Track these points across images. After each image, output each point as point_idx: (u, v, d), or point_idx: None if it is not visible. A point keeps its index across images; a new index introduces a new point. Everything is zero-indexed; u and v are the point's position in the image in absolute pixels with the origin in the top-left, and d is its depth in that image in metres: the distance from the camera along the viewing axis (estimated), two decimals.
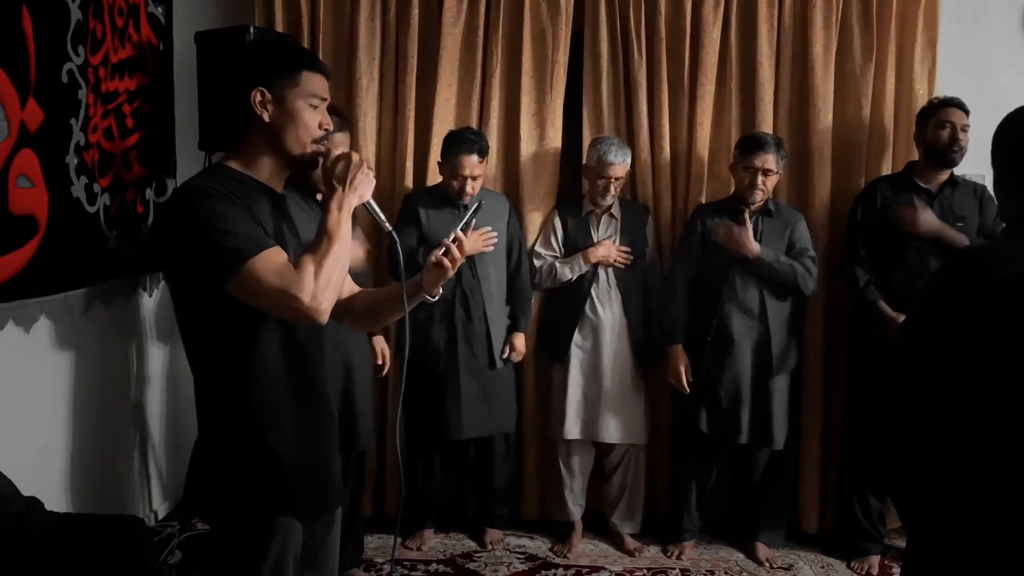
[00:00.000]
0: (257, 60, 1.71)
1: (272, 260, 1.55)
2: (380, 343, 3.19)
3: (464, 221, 1.82)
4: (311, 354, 1.74)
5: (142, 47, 3.25)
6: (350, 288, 1.90)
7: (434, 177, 3.42)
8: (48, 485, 2.62)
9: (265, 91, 1.65)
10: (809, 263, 3.24)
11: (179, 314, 1.71)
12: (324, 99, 1.71)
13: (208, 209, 1.56)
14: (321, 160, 1.70)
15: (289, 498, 1.69)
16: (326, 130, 1.72)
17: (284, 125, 1.67)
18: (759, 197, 3.22)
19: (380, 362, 3.18)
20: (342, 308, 1.85)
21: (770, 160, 3.18)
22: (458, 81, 3.51)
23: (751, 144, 3.22)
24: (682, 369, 3.28)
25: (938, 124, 3.16)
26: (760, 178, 3.18)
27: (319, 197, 2.70)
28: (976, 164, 3.36)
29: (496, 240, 3.21)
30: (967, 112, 3.15)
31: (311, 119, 1.68)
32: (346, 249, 1.62)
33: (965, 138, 3.14)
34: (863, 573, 3.28)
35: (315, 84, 1.69)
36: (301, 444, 1.70)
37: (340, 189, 1.64)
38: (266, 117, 1.66)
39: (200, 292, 1.62)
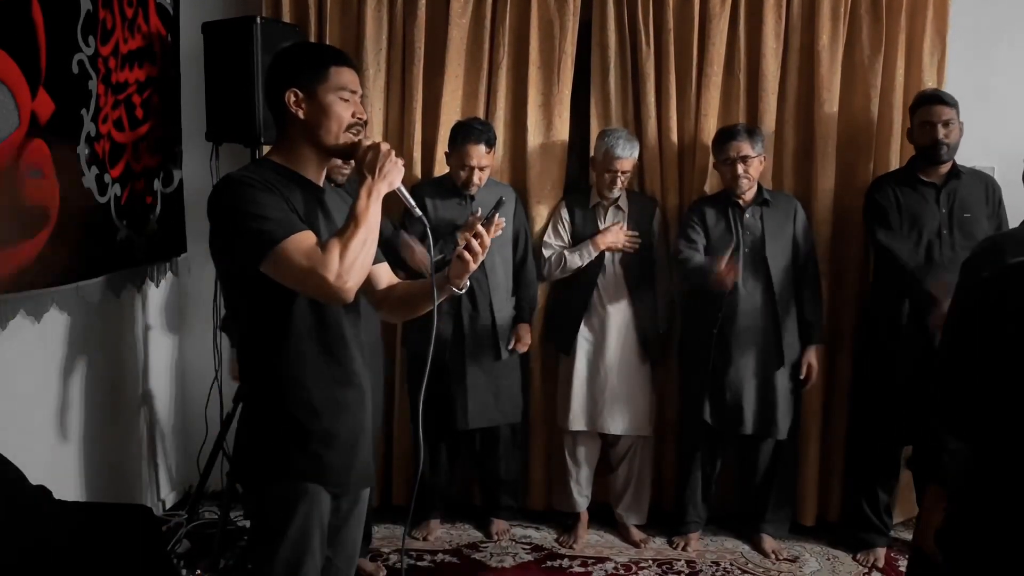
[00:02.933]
0: (287, 63, 1.83)
1: (302, 242, 1.67)
2: None
3: (486, 216, 1.89)
4: (341, 334, 1.83)
5: (151, 38, 3.25)
6: (389, 278, 1.99)
7: (441, 168, 3.42)
8: (56, 474, 2.64)
9: (298, 91, 1.77)
10: (815, 278, 3.31)
11: (224, 292, 1.91)
12: (355, 91, 1.81)
13: (245, 196, 1.69)
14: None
15: (314, 466, 1.79)
16: (360, 119, 1.81)
17: (318, 120, 1.78)
18: (746, 186, 3.22)
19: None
20: (381, 297, 1.97)
21: (744, 147, 3.18)
22: (465, 72, 3.51)
23: (721, 136, 3.25)
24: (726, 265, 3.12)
25: (920, 124, 3.14)
26: (740, 167, 3.18)
27: (332, 185, 2.74)
28: (985, 155, 3.36)
29: (504, 226, 3.20)
30: (949, 103, 3.10)
31: (343, 111, 1.79)
32: (373, 233, 1.71)
33: (949, 131, 3.09)
34: (869, 565, 3.29)
35: (344, 77, 1.80)
36: (326, 417, 1.80)
37: (370, 177, 1.74)
38: (301, 115, 1.78)
39: (239, 272, 1.75)
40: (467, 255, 1.81)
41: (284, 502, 1.78)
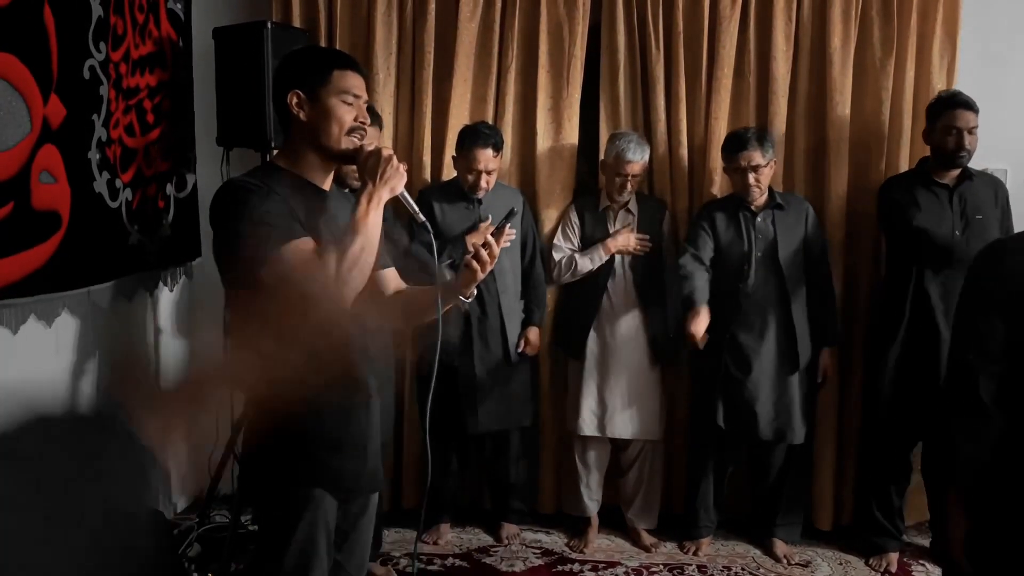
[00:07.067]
0: (292, 66, 1.85)
1: (299, 248, 1.67)
2: None
3: (496, 226, 1.88)
4: (346, 339, 1.83)
5: (162, 43, 3.27)
6: (397, 284, 1.99)
7: (450, 172, 3.42)
8: None
9: (300, 93, 1.78)
10: (827, 279, 3.29)
11: (226, 295, 1.87)
12: (358, 96, 1.81)
13: (244, 202, 1.69)
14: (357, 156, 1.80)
15: (319, 471, 1.80)
16: (362, 123, 1.80)
17: (319, 122, 1.78)
18: (756, 195, 3.20)
19: None
20: (388, 302, 1.96)
21: (755, 156, 3.15)
22: (474, 76, 3.51)
23: (732, 144, 3.20)
24: (702, 325, 3.09)
25: (944, 129, 3.09)
26: (751, 176, 3.15)
27: (346, 191, 2.74)
28: (997, 158, 3.33)
29: (513, 236, 3.21)
30: (976, 110, 3.06)
31: (345, 114, 1.78)
32: (372, 240, 1.71)
33: (972, 140, 3.06)
34: (881, 570, 3.26)
35: (347, 81, 1.79)
36: (332, 422, 1.81)
37: (371, 183, 1.74)
38: (303, 116, 1.78)
39: (240, 277, 1.76)
40: (475, 264, 1.80)
41: (290, 508, 1.79)
